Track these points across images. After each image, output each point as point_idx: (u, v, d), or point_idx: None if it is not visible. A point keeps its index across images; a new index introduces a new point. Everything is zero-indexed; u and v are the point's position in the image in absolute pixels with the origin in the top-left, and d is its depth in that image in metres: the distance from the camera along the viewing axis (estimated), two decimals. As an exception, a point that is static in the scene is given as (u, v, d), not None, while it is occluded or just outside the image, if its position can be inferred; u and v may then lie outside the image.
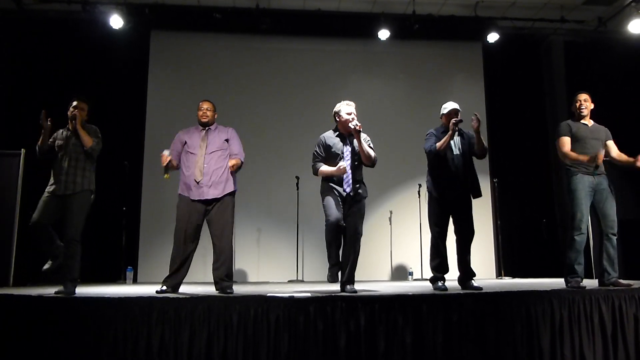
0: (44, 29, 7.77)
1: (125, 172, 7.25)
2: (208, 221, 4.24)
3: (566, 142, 4.42)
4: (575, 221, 4.31)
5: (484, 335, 3.49)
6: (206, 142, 4.31)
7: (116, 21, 7.36)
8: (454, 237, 4.51)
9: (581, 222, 4.30)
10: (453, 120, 4.31)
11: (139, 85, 7.98)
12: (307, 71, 8.28)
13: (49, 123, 4.14)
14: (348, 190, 4.15)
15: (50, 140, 4.29)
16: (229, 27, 7.98)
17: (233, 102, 7.86)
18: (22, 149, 6.50)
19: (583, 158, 4.31)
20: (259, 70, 8.20)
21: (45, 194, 4.18)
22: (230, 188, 4.30)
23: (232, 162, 4.29)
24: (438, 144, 4.33)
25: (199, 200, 4.20)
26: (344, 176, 4.15)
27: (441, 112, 4.56)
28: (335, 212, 4.06)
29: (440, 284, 4.33)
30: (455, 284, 4.50)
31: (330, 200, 4.12)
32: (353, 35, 8.36)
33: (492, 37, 8.04)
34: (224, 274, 4.18)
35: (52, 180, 4.23)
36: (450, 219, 4.47)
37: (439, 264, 4.43)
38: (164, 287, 4.08)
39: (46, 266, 4.17)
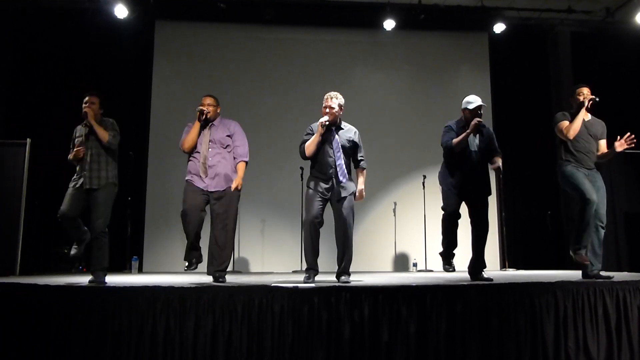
0: (49, 19, 7.76)
1: (130, 162, 7.26)
2: (211, 214, 4.24)
3: (566, 124, 4.38)
4: (585, 195, 4.18)
5: (487, 327, 3.49)
6: (208, 137, 4.30)
7: (121, 11, 7.34)
8: (463, 230, 4.50)
9: (592, 195, 4.18)
10: (475, 121, 4.20)
11: (143, 76, 7.99)
12: (312, 61, 8.25)
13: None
14: (344, 180, 4.17)
15: (72, 141, 4.38)
16: (234, 17, 7.95)
17: (237, 93, 7.86)
18: (28, 139, 6.52)
19: (578, 116, 4.31)
20: (263, 60, 8.18)
21: (70, 189, 4.21)
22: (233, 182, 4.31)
23: (239, 174, 4.30)
24: (455, 140, 4.25)
25: (202, 190, 4.23)
26: (338, 166, 4.17)
27: (464, 106, 4.41)
28: (312, 210, 4.14)
29: (448, 267, 4.34)
30: (465, 275, 4.50)
31: (310, 196, 4.21)
32: (358, 26, 8.32)
33: (499, 27, 7.97)
34: (223, 267, 4.20)
35: (76, 175, 4.27)
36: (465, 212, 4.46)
37: (449, 242, 4.45)
38: (188, 264, 4.21)
39: (73, 251, 4.23)
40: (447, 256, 4.42)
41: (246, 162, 4.38)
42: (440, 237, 4.63)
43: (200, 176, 4.22)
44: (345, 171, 4.24)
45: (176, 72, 8.07)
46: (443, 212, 4.49)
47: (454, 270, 4.20)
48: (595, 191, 4.33)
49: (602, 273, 4.25)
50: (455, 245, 4.46)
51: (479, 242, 4.40)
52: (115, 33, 7.67)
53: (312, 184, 4.26)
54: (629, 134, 4.29)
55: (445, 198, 4.48)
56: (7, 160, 6.44)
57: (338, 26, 8.33)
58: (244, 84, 8.05)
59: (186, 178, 4.31)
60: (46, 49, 7.72)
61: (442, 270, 4.49)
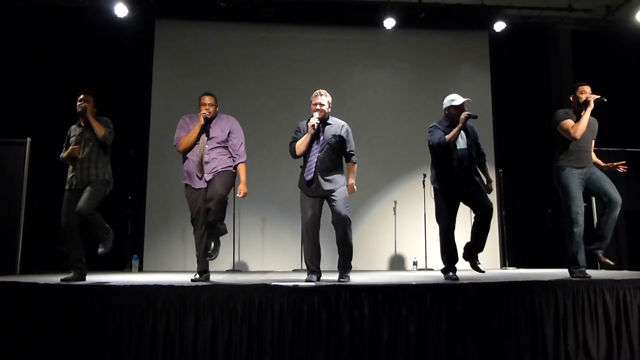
0: (49, 18, 7.74)
1: (130, 161, 7.26)
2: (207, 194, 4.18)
3: (571, 123, 4.35)
4: (571, 215, 4.30)
5: (487, 325, 3.50)
6: (207, 136, 4.27)
7: (121, 10, 7.32)
8: (459, 225, 4.48)
9: (578, 215, 4.29)
10: (465, 114, 4.19)
11: (143, 75, 7.97)
12: (312, 60, 8.24)
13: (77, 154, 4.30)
14: (308, 177, 4.18)
15: (65, 141, 4.44)
16: (234, 15, 7.93)
17: (237, 91, 7.85)
18: (28, 138, 6.53)
19: (585, 116, 4.31)
20: (263, 59, 8.17)
21: (66, 193, 4.30)
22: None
23: (242, 179, 4.28)
24: (448, 136, 4.21)
25: (200, 188, 4.21)
26: (308, 162, 4.21)
27: (448, 104, 4.42)
28: (306, 212, 4.20)
29: (451, 274, 4.32)
30: (464, 273, 4.49)
31: (301, 197, 4.27)
32: (358, 24, 8.30)
33: (499, 26, 7.95)
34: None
35: (69, 175, 4.33)
36: (462, 206, 4.45)
37: (450, 256, 4.40)
38: (197, 276, 4.17)
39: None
40: (451, 270, 4.41)
41: (245, 163, 4.36)
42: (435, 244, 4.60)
43: (197, 175, 4.19)
44: (329, 166, 4.22)
45: (176, 71, 8.06)
46: (438, 225, 4.46)
47: (457, 279, 4.19)
48: (598, 181, 4.35)
49: (605, 260, 4.28)
50: (456, 259, 4.41)
51: (482, 226, 4.34)
52: (116, 32, 7.66)
53: (301, 184, 4.30)
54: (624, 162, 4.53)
55: (437, 209, 4.44)
56: (8, 159, 6.46)
57: (338, 25, 8.32)
58: (244, 82, 8.04)
59: (184, 181, 4.29)
60: (46, 48, 7.70)
61: (446, 277, 4.43)
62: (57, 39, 7.73)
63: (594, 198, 5.98)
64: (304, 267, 4.32)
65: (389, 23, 7.81)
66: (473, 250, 4.39)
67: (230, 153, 4.32)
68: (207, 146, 4.23)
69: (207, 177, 4.19)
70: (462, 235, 4.54)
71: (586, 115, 4.32)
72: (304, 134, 4.26)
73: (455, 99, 4.39)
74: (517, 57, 8.53)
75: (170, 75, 8.03)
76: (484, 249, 4.45)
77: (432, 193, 4.56)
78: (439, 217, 4.45)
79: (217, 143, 4.26)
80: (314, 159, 4.20)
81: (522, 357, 3.48)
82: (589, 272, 4.26)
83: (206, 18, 8.09)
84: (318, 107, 4.25)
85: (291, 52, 8.26)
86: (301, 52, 8.28)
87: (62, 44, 7.72)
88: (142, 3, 7.52)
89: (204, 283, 3.87)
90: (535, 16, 8.23)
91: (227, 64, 8.10)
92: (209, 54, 8.14)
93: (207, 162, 4.20)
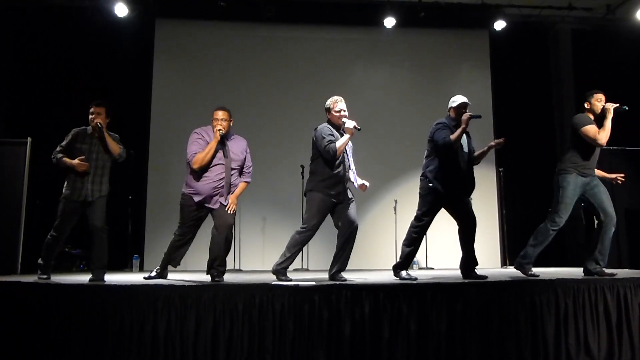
0: (49, 17, 7.74)
1: (130, 161, 7.23)
2: (213, 216, 4.18)
3: (596, 129, 4.34)
4: (555, 217, 4.35)
5: (488, 324, 3.50)
6: (228, 156, 4.16)
7: (121, 9, 7.33)
8: (451, 229, 4.46)
9: (561, 220, 4.35)
10: (467, 115, 4.16)
11: (143, 74, 7.98)
12: (313, 59, 8.24)
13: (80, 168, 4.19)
14: (359, 182, 4.25)
15: (67, 142, 4.36)
16: (234, 15, 7.95)
17: (237, 91, 7.86)
18: (29, 138, 6.53)
19: (608, 123, 4.34)
20: (263, 58, 8.17)
21: (65, 201, 4.19)
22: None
23: (236, 192, 4.22)
24: (452, 136, 4.17)
25: (205, 211, 4.20)
26: (347, 166, 4.26)
27: (449, 105, 4.42)
28: (321, 219, 4.17)
29: (406, 274, 4.29)
30: (458, 272, 4.49)
31: (323, 202, 4.15)
32: (359, 23, 8.31)
33: (499, 25, 7.96)
34: (221, 262, 4.13)
35: (73, 184, 4.20)
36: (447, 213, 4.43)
37: (413, 252, 4.44)
38: (154, 274, 4.32)
39: (42, 276, 4.24)
40: (407, 266, 4.42)
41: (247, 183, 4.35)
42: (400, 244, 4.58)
43: (213, 196, 4.10)
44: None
45: (176, 71, 8.07)
46: (416, 221, 4.40)
47: (415, 278, 4.16)
48: (599, 194, 4.37)
49: (606, 270, 4.25)
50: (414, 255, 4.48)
51: (471, 236, 4.35)
52: (116, 32, 7.66)
53: (324, 188, 4.16)
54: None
55: (425, 204, 4.34)
56: (8, 159, 6.45)
57: (338, 24, 8.32)
58: (244, 82, 8.04)
59: (195, 199, 4.14)
60: (46, 48, 7.71)
61: (401, 278, 4.31)
62: (57, 39, 7.74)
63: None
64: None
65: (389, 22, 7.82)
66: (470, 265, 4.35)
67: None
68: (229, 169, 4.16)
69: (222, 200, 4.14)
70: (456, 236, 4.50)
71: (609, 123, 4.34)
72: (336, 137, 4.20)
73: (456, 100, 4.38)
74: (518, 56, 8.54)
75: (170, 75, 8.03)
76: (484, 247, 4.45)
77: (425, 189, 4.36)
78: (423, 213, 4.34)
79: (236, 165, 4.23)
80: (349, 165, 4.27)
81: (523, 356, 3.48)
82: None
83: (206, 18, 8.10)
84: (342, 112, 4.26)
85: (291, 52, 8.26)
86: (301, 51, 8.28)
87: (62, 44, 7.72)
88: (142, 3, 7.53)
89: (205, 283, 3.87)
90: (535, 15, 8.23)
91: (227, 63, 8.11)
92: (209, 53, 8.14)
93: (232, 185, 4.20)
